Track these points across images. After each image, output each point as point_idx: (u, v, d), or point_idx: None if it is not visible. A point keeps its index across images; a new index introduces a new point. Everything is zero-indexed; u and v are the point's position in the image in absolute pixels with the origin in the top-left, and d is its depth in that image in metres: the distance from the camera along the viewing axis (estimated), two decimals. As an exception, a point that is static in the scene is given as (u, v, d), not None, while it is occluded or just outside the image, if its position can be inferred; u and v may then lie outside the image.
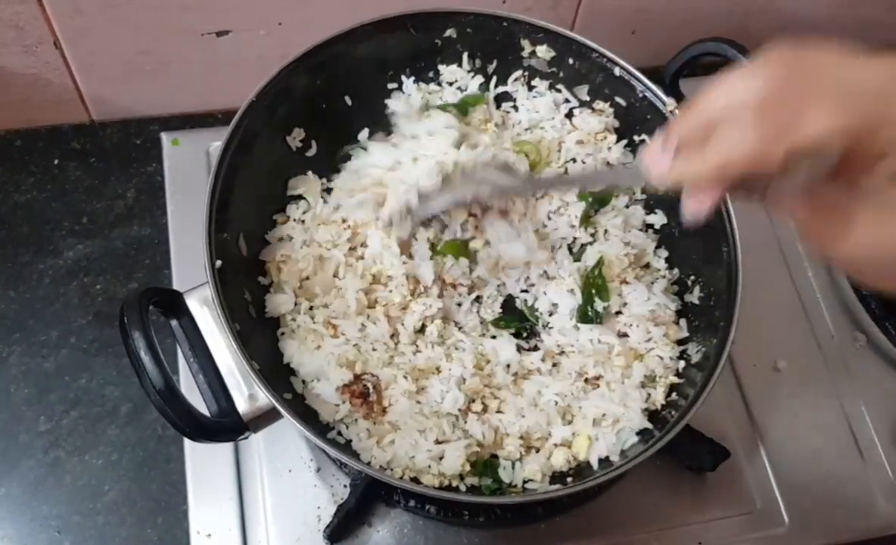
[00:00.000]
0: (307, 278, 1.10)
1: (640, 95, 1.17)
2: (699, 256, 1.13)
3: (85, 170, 1.36)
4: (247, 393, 0.94)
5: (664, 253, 1.19)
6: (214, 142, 1.33)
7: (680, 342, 1.11)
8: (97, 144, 1.38)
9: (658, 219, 1.20)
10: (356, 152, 1.20)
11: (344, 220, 1.13)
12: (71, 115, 1.37)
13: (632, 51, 1.20)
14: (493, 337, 1.11)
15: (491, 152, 1.14)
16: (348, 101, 1.20)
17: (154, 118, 1.41)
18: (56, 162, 1.36)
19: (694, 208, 0.74)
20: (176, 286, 1.21)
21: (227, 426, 0.93)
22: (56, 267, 1.27)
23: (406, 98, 1.22)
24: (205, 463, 1.12)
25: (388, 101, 1.22)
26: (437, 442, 0.99)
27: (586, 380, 1.07)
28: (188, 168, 1.32)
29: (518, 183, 1.10)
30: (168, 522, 1.11)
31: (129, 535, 1.10)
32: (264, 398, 0.92)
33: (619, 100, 1.20)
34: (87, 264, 1.28)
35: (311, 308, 1.09)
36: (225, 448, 1.13)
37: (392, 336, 1.08)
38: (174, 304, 0.97)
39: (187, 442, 1.13)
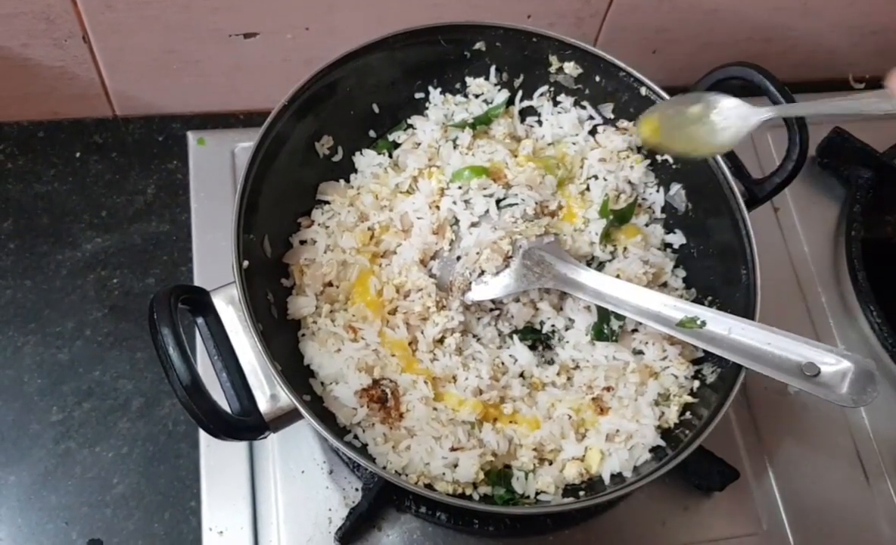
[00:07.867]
0: (330, 283, 1.11)
1: (665, 116, 1.18)
2: (717, 278, 1.14)
3: (106, 164, 1.36)
4: (269, 393, 0.95)
5: (682, 272, 1.19)
6: (240, 142, 1.35)
7: (695, 362, 1.11)
8: (119, 139, 1.39)
9: (677, 238, 1.21)
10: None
11: (370, 229, 1.14)
12: (94, 109, 1.38)
13: (651, 70, 1.21)
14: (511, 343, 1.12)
15: (552, 236, 1.14)
16: (375, 108, 1.21)
17: (176, 116, 1.41)
18: (77, 155, 1.37)
19: None
20: (197, 283, 1.22)
21: (249, 425, 0.93)
22: (74, 259, 1.28)
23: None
24: (219, 461, 1.13)
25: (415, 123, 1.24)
26: (452, 449, 1.00)
27: (594, 399, 1.08)
28: (213, 168, 1.33)
29: (580, 279, 1.09)
30: (175, 517, 1.12)
31: (137, 529, 1.11)
32: (286, 399, 0.93)
33: (643, 119, 1.21)
34: (105, 258, 1.28)
35: (331, 311, 1.10)
36: (239, 447, 1.14)
37: (410, 343, 1.08)
38: (201, 303, 0.98)
39: (203, 439, 1.14)
